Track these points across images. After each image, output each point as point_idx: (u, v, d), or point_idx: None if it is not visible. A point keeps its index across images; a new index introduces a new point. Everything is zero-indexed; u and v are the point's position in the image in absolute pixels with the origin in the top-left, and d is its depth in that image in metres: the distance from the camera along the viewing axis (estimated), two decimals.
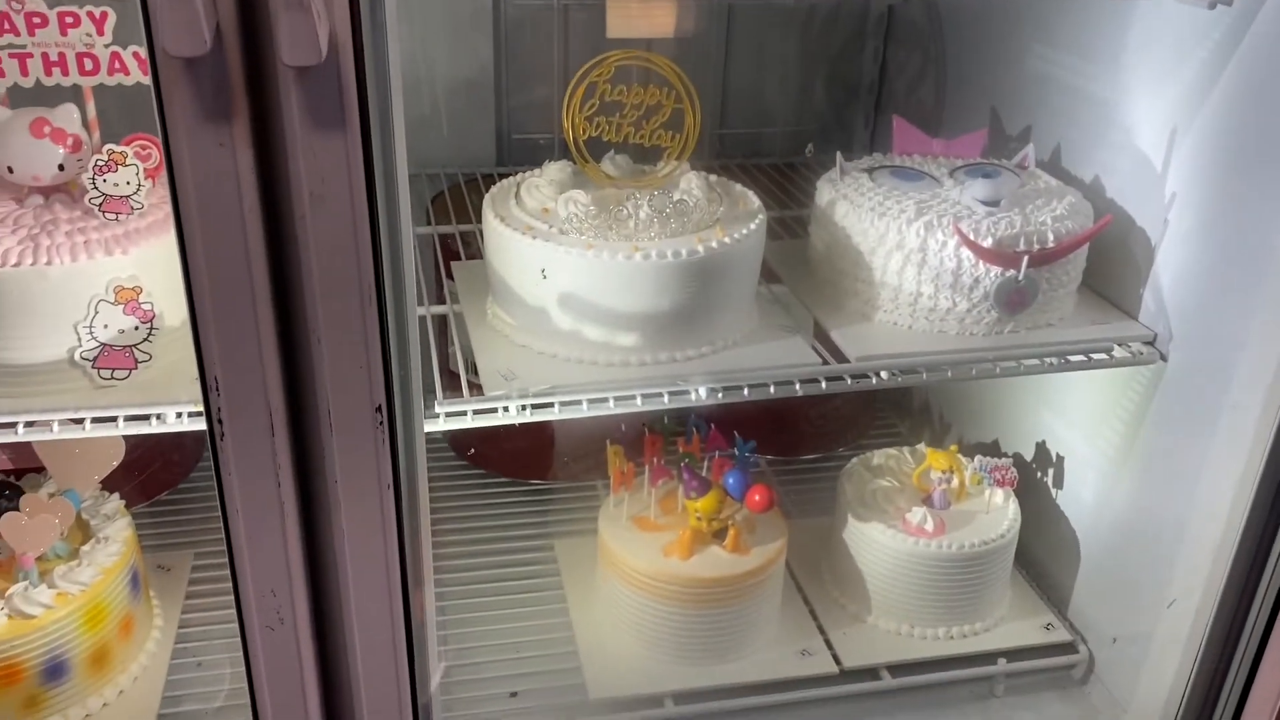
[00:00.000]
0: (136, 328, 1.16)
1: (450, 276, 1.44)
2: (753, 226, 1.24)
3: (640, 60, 1.25)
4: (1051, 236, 1.26)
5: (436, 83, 1.75)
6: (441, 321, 1.36)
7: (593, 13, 1.71)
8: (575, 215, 1.20)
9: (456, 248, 1.52)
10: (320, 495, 1.00)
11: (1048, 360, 1.28)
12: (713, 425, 1.45)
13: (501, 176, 1.37)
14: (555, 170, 1.33)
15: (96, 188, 1.18)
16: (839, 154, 1.40)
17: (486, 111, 1.76)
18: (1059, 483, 1.52)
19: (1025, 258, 1.24)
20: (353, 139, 0.82)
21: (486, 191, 1.33)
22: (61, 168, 1.22)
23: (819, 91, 1.91)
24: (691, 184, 1.29)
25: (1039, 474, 1.56)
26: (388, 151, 0.86)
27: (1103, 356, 1.30)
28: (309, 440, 0.97)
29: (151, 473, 1.62)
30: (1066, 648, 1.47)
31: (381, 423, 0.97)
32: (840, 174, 1.39)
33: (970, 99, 1.64)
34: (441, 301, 1.40)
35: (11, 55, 1.16)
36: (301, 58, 0.77)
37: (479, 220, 1.39)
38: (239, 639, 1.05)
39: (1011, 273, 1.25)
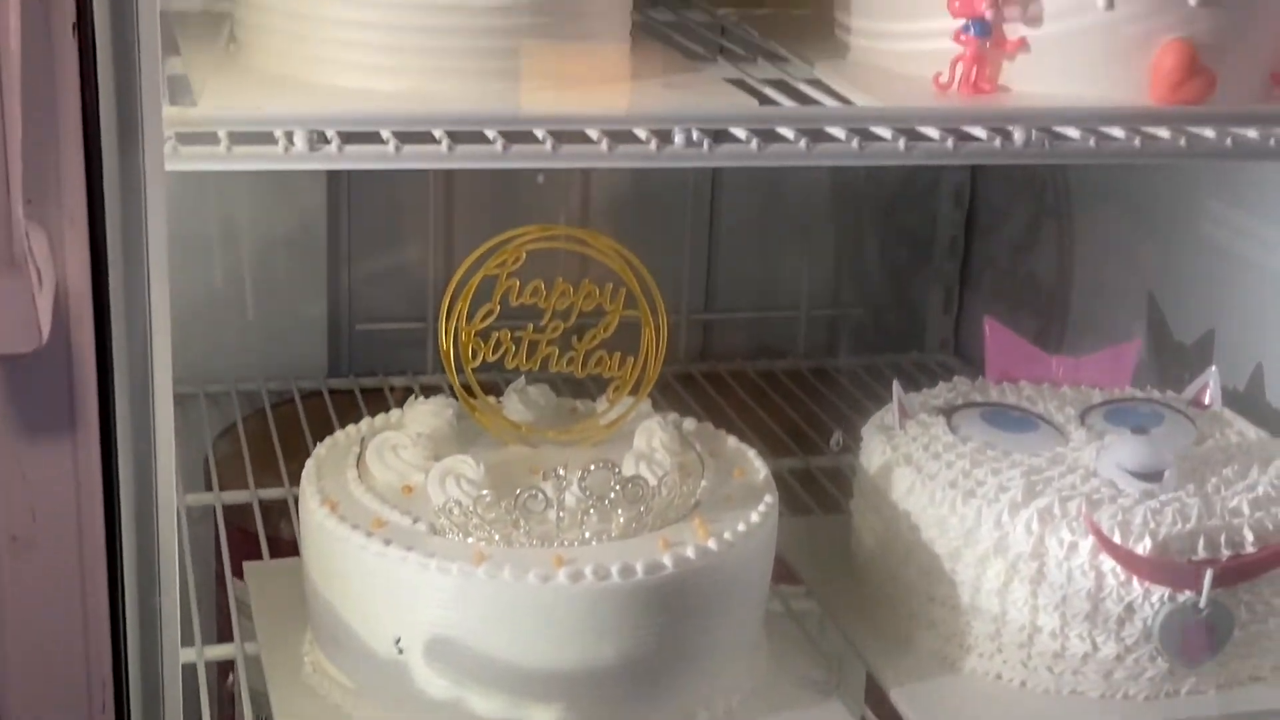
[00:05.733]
0: None
1: (242, 580, 1.44)
2: (754, 519, 1.26)
3: (570, 241, 1.29)
4: (1251, 535, 1.27)
5: (239, 238, 1.79)
6: (221, 671, 1.35)
7: None
8: (458, 504, 1.21)
9: (254, 529, 1.52)
10: None
11: None
12: None
13: (336, 395, 1.37)
14: (426, 414, 1.35)
15: None
16: (896, 385, 1.43)
17: (314, 285, 1.81)
18: None
19: (1208, 571, 1.25)
20: (85, 441, 0.83)
21: (309, 420, 1.34)
22: None
23: (867, 258, 1.97)
24: (653, 440, 1.31)
25: None
26: (144, 459, 0.87)
27: None
28: None
29: None
30: None
31: None
32: (900, 418, 1.42)
33: (1112, 288, 1.69)
34: (223, 633, 1.39)
35: None
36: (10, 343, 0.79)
37: (295, 481, 1.39)
38: None
39: (1188, 596, 1.26)
